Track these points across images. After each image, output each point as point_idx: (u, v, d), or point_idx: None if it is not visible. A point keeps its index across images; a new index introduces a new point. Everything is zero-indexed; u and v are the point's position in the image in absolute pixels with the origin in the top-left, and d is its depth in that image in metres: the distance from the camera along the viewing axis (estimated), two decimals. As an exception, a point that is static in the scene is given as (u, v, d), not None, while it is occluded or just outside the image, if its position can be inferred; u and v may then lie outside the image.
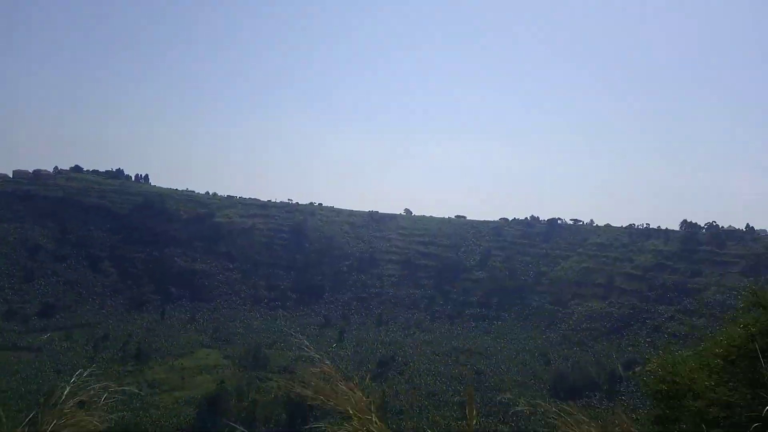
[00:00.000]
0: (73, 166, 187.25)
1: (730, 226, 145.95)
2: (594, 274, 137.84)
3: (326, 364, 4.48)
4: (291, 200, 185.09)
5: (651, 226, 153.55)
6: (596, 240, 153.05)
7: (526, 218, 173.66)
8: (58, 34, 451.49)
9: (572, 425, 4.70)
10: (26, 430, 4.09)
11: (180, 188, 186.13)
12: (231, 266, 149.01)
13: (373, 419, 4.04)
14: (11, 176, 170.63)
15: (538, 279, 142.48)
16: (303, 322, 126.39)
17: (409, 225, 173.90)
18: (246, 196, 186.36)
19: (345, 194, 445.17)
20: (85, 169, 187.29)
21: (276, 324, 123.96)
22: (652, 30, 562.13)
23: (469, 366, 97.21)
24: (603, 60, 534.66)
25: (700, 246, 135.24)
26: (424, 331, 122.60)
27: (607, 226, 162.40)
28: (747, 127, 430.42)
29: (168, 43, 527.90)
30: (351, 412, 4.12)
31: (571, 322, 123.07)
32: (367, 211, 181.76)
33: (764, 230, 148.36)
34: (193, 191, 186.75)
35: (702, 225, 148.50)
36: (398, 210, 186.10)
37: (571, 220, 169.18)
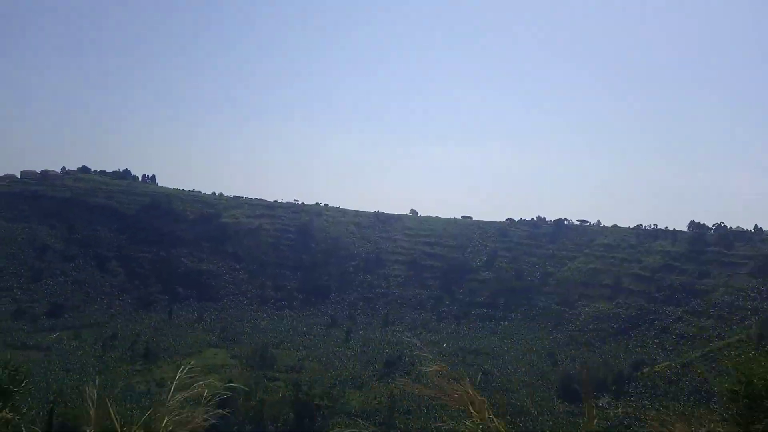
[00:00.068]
0: (80, 166, 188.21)
1: (738, 226, 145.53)
2: (601, 275, 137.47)
3: (440, 363, 4.56)
4: (297, 201, 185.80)
5: (658, 227, 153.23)
6: (603, 241, 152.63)
7: (533, 219, 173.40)
8: (65, 36, 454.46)
9: (660, 425, 4.73)
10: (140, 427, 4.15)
11: (186, 189, 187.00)
12: (238, 266, 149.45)
13: (492, 418, 4.08)
14: (19, 176, 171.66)
15: (545, 280, 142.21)
16: (309, 322, 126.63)
17: (414, 225, 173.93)
18: (252, 196, 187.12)
19: (350, 195, 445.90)
20: (92, 170, 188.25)
21: (283, 324, 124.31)
22: (656, 29, 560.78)
23: (476, 366, 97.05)
24: (607, 60, 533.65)
25: (708, 247, 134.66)
26: (431, 332, 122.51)
27: (614, 226, 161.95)
28: (755, 127, 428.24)
29: (174, 44, 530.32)
30: (471, 411, 4.19)
31: (578, 323, 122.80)
32: (372, 211, 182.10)
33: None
34: (200, 191, 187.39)
35: (710, 226, 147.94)
36: (404, 210, 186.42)
37: (577, 220, 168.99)
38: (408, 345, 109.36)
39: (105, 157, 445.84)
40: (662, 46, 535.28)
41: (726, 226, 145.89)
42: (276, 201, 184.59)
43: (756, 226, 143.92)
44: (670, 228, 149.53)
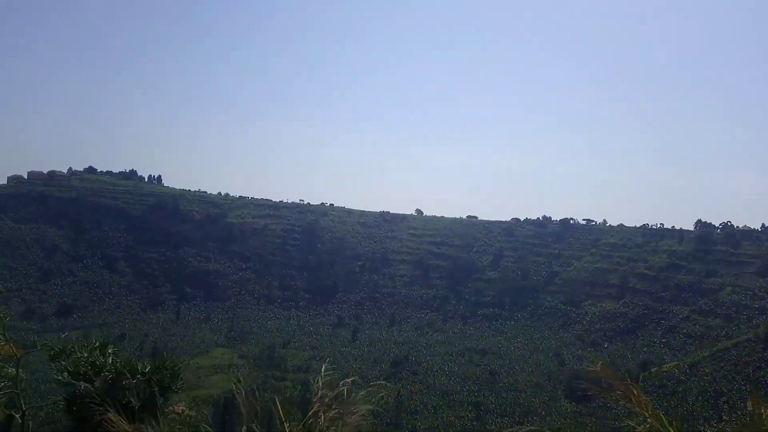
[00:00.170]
0: (87, 167, 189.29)
1: (745, 225, 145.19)
2: (607, 275, 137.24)
3: (602, 363, 4.65)
4: (302, 201, 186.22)
5: (665, 226, 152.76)
6: (609, 240, 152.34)
7: (539, 218, 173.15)
8: (72, 38, 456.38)
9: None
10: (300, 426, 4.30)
11: (192, 189, 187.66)
12: (244, 266, 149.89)
13: (662, 418, 4.16)
14: (26, 177, 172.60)
15: (551, 279, 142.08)
16: (316, 321, 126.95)
17: (420, 225, 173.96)
18: (258, 196, 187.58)
19: (356, 195, 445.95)
20: (98, 170, 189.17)
21: (290, 324, 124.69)
22: (663, 29, 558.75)
23: (482, 366, 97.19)
24: (613, 60, 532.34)
25: (714, 246, 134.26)
26: (437, 331, 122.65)
27: (621, 226, 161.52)
28: (761, 126, 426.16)
29: (180, 46, 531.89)
30: (643, 411, 4.27)
31: (584, 323, 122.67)
32: (378, 211, 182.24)
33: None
34: (206, 192, 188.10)
35: (717, 225, 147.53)
36: (409, 210, 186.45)
37: (583, 220, 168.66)
38: (414, 345, 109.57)
39: (111, 157, 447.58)
40: (668, 45, 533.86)
41: (733, 225, 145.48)
42: (282, 201, 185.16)
43: (763, 225, 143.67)
44: (677, 227, 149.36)
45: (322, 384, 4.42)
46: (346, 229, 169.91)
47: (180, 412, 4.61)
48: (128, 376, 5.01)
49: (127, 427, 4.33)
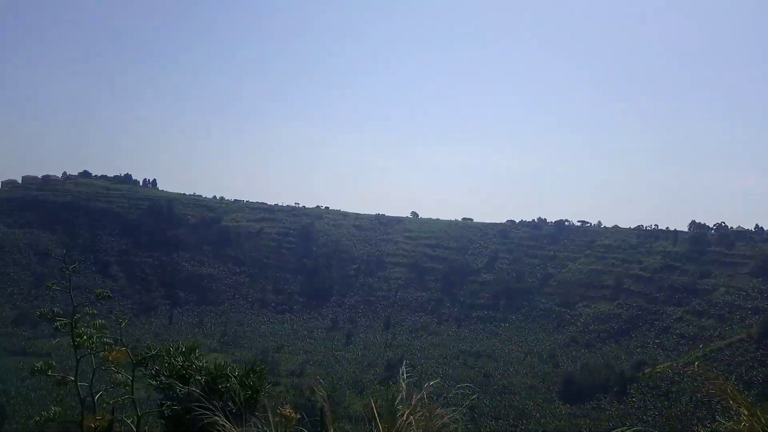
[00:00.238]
0: (81, 171, 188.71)
1: (739, 226, 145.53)
2: (602, 276, 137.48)
3: (696, 364, 4.62)
4: (298, 204, 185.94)
5: (659, 227, 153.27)
6: (604, 241, 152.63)
7: (533, 220, 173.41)
8: (66, 41, 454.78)
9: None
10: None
11: (187, 193, 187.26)
12: (238, 270, 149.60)
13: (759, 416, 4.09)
14: (20, 182, 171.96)
15: (546, 281, 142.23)
16: (310, 325, 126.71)
17: (415, 228, 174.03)
18: (252, 200, 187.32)
19: (351, 197, 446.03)
20: (93, 175, 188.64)
21: (283, 328, 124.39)
22: (656, 29, 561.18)
23: (477, 368, 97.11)
24: (607, 60, 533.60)
25: (708, 247, 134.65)
26: (432, 334, 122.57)
27: (615, 227, 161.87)
28: (755, 127, 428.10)
29: (174, 49, 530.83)
30: (743, 410, 4.22)
31: (579, 324, 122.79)
32: (373, 214, 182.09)
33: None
34: (201, 195, 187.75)
35: (711, 226, 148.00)
36: (404, 213, 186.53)
37: (578, 221, 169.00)
38: (409, 348, 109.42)
39: (106, 161, 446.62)
40: (661, 45, 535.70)
41: (727, 226, 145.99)
42: (277, 204, 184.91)
43: (757, 225, 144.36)
44: (671, 228, 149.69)
45: (404, 385, 4.42)
46: (341, 232, 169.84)
47: (287, 414, 4.54)
48: (222, 379, 4.94)
49: (235, 430, 4.30)
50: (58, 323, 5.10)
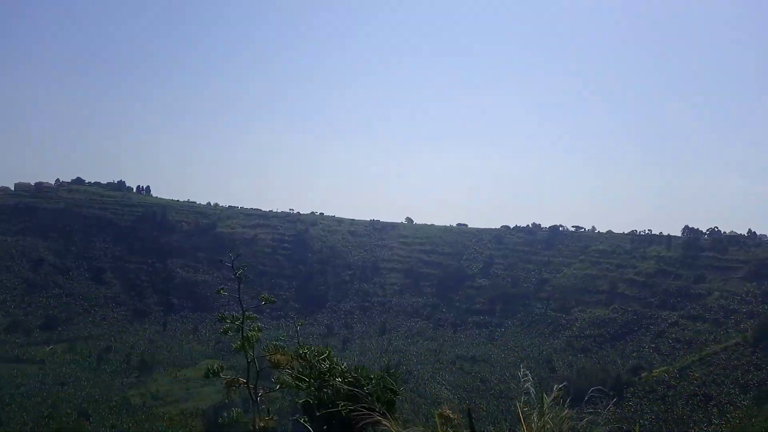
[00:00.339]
0: (74, 178, 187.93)
1: (732, 231, 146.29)
2: (597, 281, 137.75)
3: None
4: (293, 210, 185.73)
5: (653, 232, 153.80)
6: (598, 246, 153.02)
7: (528, 225, 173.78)
8: (60, 47, 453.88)
9: None
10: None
11: (181, 199, 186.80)
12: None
13: None
14: (13, 189, 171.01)
15: (541, 286, 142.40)
16: (306, 331, 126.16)
17: (410, 233, 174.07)
18: (247, 206, 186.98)
19: (346, 203, 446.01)
20: (86, 181, 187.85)
21: (278, 334, 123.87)
22: (650, 34, 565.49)
23: (473, 374, 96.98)
24: (601, 65, 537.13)
25: (702, 252, 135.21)
26: (428, 339, 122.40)
27: (609, 232, 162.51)
28: (748, 131, 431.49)
29: (169, 55, 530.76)
30: None
31: (574, 329, 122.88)
32: (368, 219, 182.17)
33: (766, 235, 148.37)
34: (195, 202, 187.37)
35: (704, 230, 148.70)
36: (399, 218, 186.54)
37: (573, 226, 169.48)
38: (405, 353, 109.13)
39: (99, 168, 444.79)
40: (655, 50, 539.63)
41: (720, 231, 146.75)
42: (271, 210, 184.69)
43: (750, 230, 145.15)
44: (665, 233, 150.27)
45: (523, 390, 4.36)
46: (336, 238, 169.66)
47: (449, 415, 4.49)
48: (366, 381, 4.92)
49: (398, 429, 4.25)
50: (226, 327, 5.08)
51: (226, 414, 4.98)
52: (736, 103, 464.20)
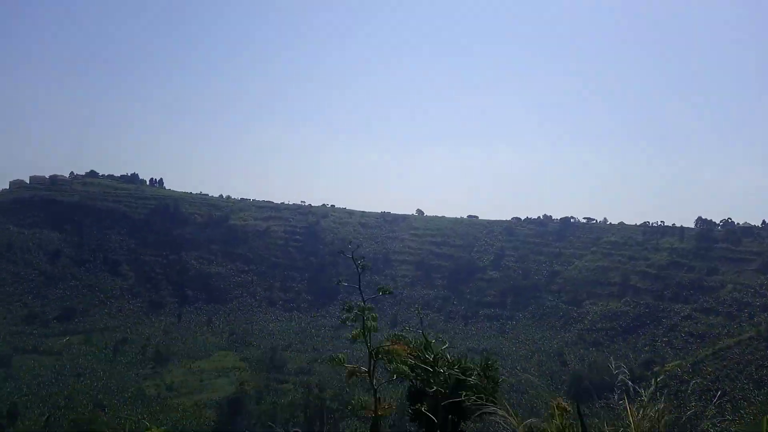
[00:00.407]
0: (88, 171, 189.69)
1: (745, 222, 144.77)
2: (609, 273, 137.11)
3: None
4: (304, 202, 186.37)
5: (665, 224, 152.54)
6: (610, 238, 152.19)
7: (539, 217, 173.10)
8: (73, 42, 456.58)
9: None
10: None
11: (194, 192, 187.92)
12: (246, 268, 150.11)
13: None
14: (28, 182, 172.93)
15: (552, 278, 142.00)
16: (318, 323, 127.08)
17: (421, 225, 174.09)
18: (259, 198, 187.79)
19: (356, 195, 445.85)
20: (100, 174, 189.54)
21: (291, 326, 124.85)
22: (660, 26, 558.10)
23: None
24: (612, 57, 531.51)
25: (715, 243, 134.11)
26: (439, 332, 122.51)
27: (621, 224, 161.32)
28: (761, 122, 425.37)
29: (180, 49, 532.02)
30: None
31: (586, 322, 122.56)
32: (379, 212, 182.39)
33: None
34: (207, 194, 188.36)
35: (717, 222, 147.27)
36: (410, 211, 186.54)
37: (584, 218, 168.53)
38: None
39: (113, 161, 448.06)
40: (666, 41, 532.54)
41: (733, 222, 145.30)
42: (283, 203, 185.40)
43: (764, 221, 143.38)
44: (677, 225, 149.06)
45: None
46: (347, 230, 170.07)
47: (563, 406, 4.63)
48: (470, 372, 5.09)
49: (515, 421, 4.38)
50: (348, 316, 5.31)
51: (353, 402, 5.12)
52: (751, 93, 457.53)
